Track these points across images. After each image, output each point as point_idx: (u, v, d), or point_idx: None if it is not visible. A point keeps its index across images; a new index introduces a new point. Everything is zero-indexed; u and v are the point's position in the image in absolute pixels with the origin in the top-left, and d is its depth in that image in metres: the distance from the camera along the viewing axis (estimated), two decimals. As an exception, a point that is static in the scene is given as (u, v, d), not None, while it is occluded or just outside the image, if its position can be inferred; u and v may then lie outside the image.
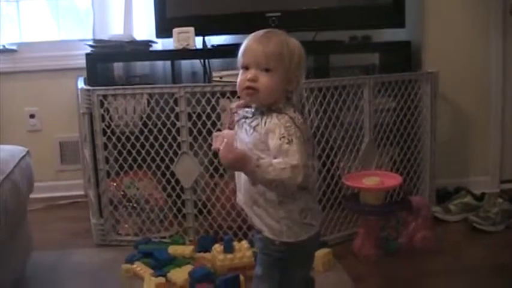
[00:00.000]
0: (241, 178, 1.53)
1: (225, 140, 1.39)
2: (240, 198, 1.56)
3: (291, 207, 1.48)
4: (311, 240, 1.54)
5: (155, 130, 2.53)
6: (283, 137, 1.41)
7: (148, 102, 2.57)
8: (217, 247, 2.25)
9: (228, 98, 2.48)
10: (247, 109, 1.52)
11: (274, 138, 1.42)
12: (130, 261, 2.33)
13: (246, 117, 1.51)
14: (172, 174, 2.56)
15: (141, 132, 2.57)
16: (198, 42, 2.84)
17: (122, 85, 2.66)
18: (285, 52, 1.47)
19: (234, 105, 1.58)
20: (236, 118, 1.55)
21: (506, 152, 3.28)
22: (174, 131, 2.51)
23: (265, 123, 1.45)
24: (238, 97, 2.43)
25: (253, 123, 1.48)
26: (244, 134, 1.50)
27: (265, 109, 1.47)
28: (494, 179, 3.25)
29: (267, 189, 1.46)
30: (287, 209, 1.48)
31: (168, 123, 2.51)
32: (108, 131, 2.55)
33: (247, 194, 1.52)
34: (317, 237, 1.56)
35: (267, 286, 1.56)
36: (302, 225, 1.50)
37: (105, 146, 2.56)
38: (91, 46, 2.80)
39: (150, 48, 2.90)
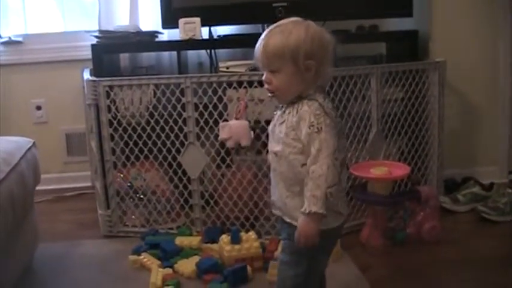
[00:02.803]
0: (276, 174, 1.55)
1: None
2: (274, 192, 1.58)
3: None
4: (339, 229, 1.57)
5: (161, 121, 2.53)
6: (312, 125, 1.44)
7: (155, 93, 2.56)
8: (224, 238, 2.24)
9: (235, 88, 2.47)
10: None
11: (304, 126, 1.45)
12: (138, 252, 2.33)
13: (278, 108, 1.55)
14: (179, 165, 2.55)
15: (148, 123, 2.56)
16: (204, 32, 2.82)
17: (128, 76, 2.65)
18: (285, 49, 1.47)
19: None
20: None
21: (515, 141, 3.26)
22: (180, 121, 2.50)
23: (296, 111, 1.48)
24: (245, 87, 2.45)
25: (286, 112, 1.51)
26: (277, 123, 1.53)
27: (295, 98, 1.50)
28: (502, 169, 3.23)
29: (300, 181, 1.48)
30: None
31: (175, 113, 2.51)
32: (115, 122, 2.55)
33: (285, 186, 1.53)
34: (343, 227, 1.58)
35: (293, 272, 1.57)
36: (333, 213, 1.51)
37: (112, 137, 2.55)
38: (97, 37, 2.79)
39: (156, 39, 2.89)
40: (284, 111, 1.52)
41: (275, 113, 1.57)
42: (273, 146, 1.54)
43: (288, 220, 1.55)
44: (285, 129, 1.49)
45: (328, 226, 1.51)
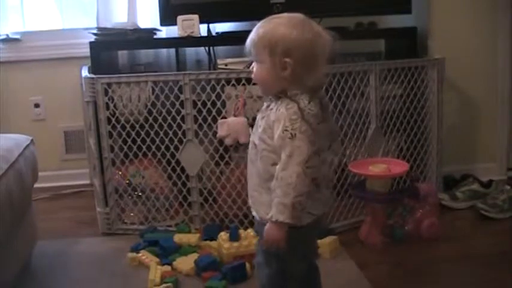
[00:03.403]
0: (253, 166, 1.54)
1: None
2: (249, 185, 1.57)
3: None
4: (308, 229, 1.50)
5: (160, 118, 2.52)
6: (286, 130, 1.41)
7: (153, 90, 2.56)
8: (223, 235, 2.24)
9: (233, 85, 2.47)
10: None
11: (278, 128, 1.41)
12: (136, 249, 2.33)
13: (265, 100, 1.54)
14: (178, 162, 2.55)
15: (146, 120, 2.56)
16: (203, 29, 2.82)
17: (126, 73, 2.64)
18: (266, 41, 1.44)
19: None
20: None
21: (514, 138, 3.26)
22: (179, 118, 2.49)
23: (277, 109, 1.45)
24: (243, 84, 2.44)
25: (269, 108, 1.48)
26: (260, 116, 1.51)
27: (281, 94, 1.47)
28: (501, 166, 3.23)
29: (269, 179, 1.45)
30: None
31: (173, 111, 2.50)
32: (113, 119, 2.54)
33: (256, 179, 1.52)
34: (316, 226, 1.53)
35: (266, 272, 1.57)
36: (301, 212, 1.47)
37: (110, 135, 2.55)
38: (95, 34, 2.78)
39: (154, 36, 2.88)
40: (268, 106, 1.49)
41: (264, 103, 1.53)
42: (255, 137, 1.52)
43: (253, 213, 1.55)
44: (264, 124, 1.47)
45: (297, 224, 1.47)
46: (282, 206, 1.40)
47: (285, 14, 1.49)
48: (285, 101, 1.44)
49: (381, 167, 2.34)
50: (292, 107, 1.42)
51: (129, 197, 2.63)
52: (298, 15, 1.48)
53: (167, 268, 2.16)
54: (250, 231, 2.24)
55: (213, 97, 2.49)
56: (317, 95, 1.47)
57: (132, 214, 2.63)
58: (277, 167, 1.42)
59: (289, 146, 1.40)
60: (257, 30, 1.47)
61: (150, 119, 2.54)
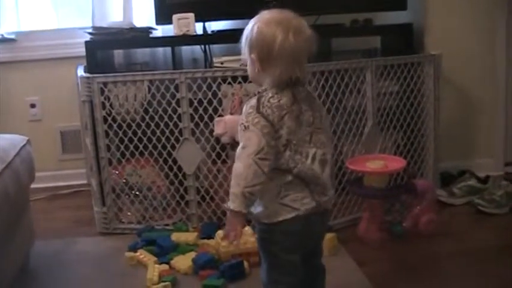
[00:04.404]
0: None
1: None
2: None
3: (266, 187, 1.48)
4: (292, 224, 1.50)
5: (156, 117, 2.52)
6: (242, 123, 1.46)
7: (149, 89, 2.55)
8: (221, 233, 2.24)
9: (230, 83, 2.46)
10: None
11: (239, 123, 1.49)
12: (134, 249, 2.33)
13: None
14: (175, 161, 2.55)
15: (143, 119, 2.55)
16: (198, 28, 2.81)
17: (122, 72, 2.64)
18: (245, 36, 1.51)
19: None
20: None
21: (511, 134, 3.26)
22: (175, 117, 2.49)
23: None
24: (240, 82, 2.44)
25: None
26: None
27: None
28: (498, 161, 3.23)
29: None
30: (264, 188, 1.48)
31: (169, 109, 2.50)
32: (109, 118, 2.54)
33: None
34: (303, 221, 1.51)
35: (264, 268, 1.60)
36: (279, 205, 1.49)
37: (107, 134, 2.54)
38: (90, 34, 2.77)
39: (150, 35, 2.87)
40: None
41: None
42: None
43: None
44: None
45: (273, 219, 1.50)
46: (234, 196, 1.45)
47: (268, 11, 1.51)
48: (254, 96, 1.50)
49: (378, 163, 2.34)
50: (251, 101, 1.48)
51: (126, 196, 2.62)
52: (279, 12, 1.50)
53: (165, 267, 2.16)
54: (248, 229, 2.23)
55: (210, 95, 2.48)
56: (289, 88, 1.49)
57: (129, 213, 2.63)
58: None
59: (243, 138, 1.46)
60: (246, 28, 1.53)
61: (147, 117, 2.54)
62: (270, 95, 1.47)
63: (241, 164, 1.44)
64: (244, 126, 1.45)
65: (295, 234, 1.53)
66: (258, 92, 1.50)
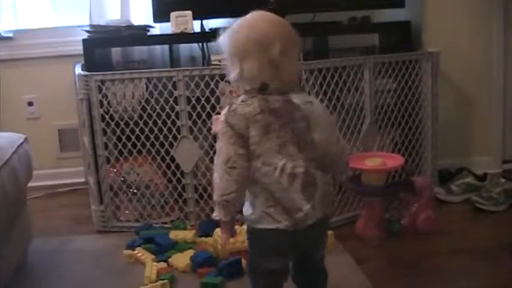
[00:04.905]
0: None
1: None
2: None
3: (253, 190, 1.50)
4: (272, 234, 1.49)
5: (154, 115, 2.52)
6: (217, 132, 1.51)
7: (147, 87, 2.55)
8: (219, 231, 2.23)
9: (227, 81, 2.45)
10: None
11: None
12: (132, 247, 2.33)
13: None
14: (172, 159, 2.55)
15: (140, 117, 2.55)
16: (196, 25, 2.81)
17: (120, 70, 2.63)
18: None
19: None
20: None
21: (508, 131, 3.26)
22: (173, 115, 2.49)
23: None
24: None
25: None
26: None
27: None
28: (496, 159, 3.23)
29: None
30: (252, 191, 1.50)
31: (167, 107, 2.50)
32: (107, 116, 2.53)
33: None
34: (284, 235, 1.49)
35: (247, 269, 1.66)
36: (263, 213, 1.48)
37: (104, 132, 2.54)
38: (88, 32, 2.77)
39: (148, 33, 2.87)
40: None
41: None
42: None
43: None
44: None
45: (255, 225, 1.51)
46: (215, 204, 1.49)
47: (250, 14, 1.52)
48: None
49: (376, 161, 2.34)
50: (225, 109, 1.49)
51: (124, 195, 2.62)
52: (255, 14, 1.51)
53: (163, 265, 2.15)
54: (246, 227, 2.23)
55: (207, 93, 2.48)
56: (259, 96, 1.47)
57: (127, 211, 2.63)
58: None
59: (217, 147, 1.49)
60: None
61: (144, 115, 2.54)
62: (239, 102, 1.48)
63: (216, 174, 1.47)
64: (218, 136, 1.48)
65: (274, 244, 1.52)
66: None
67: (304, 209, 1.47)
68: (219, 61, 2.62)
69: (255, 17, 1.50)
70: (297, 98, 1.50)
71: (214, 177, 1.48)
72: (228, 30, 1.51)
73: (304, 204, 1.47)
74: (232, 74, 1.50)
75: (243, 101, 1.47)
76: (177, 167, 2.55)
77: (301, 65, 1.57)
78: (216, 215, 1.49)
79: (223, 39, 1.51)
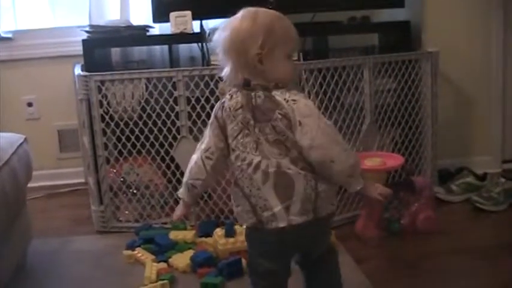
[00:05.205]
0: None
1: None
2: None
3: (233, 187, 1.54)
4: (251, 230, 1.52)
5: (154, 115, 2.52)
6: None
7: (147, 87, 2.55)
8: (219, 231, 2.24)
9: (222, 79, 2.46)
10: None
11: None
12: (132, 247, 2.33)
13: None
14: (172, 159, 2.54)
15: (140, 117, 2.55)
16: (196, 26, 2.81)
17: (120, 70, 2.63)
18: None
19: None
20: None
21: (508, 131, 3.26)
22: (173, 115, 2.49)
23: None
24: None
25: None
26: None
27: None
28: (496, 158, 3.23)
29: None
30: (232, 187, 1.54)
31: (167, 107, 2.50)
32: (107, 117, 2.53)
33: None
34: (270, 236, 1.48)
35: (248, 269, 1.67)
36: (243, 208, 1.51)
37: (104, 132, 2.54)
38: (87, 32, 2.77)
39: (147, 33, 2.87)
40: None
41: None
42: None
43: None
44: None
45: (241, 221, 1.55)
46: (182, 184, 1.63)
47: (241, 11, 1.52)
48: None
49: (376, 160, 2.34)
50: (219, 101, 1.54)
51: (124, 195, 2.62)
52: (244, 11, 1.50)
53: (163, 265, 2.15)
54: (246, 227, 2.24)
55: (207, 93, 2.48)
56: (242, 91, 1.47)
57: (127, 212, 2.63)
58: None
59: (204, 133, 1.58)
60: None
61: (144, 116, 2.53)
62: (227, 96, 1.50)
63: (193, 157, 1.58)
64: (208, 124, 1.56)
65: (260, 244, 1.53)
66: None
67: (275, 209, 1.45)
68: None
69: (243, 14, 1.49)
70: (281, 96, 1.45)
71: (191, 158, 1.59)
72: (219, 28, 1.50)
73: (276, 205, 1.45)
74: (222, 72, 1.51)
75: (230, 95, 1.49)
76: (177, 167, 2.55)
77: (293, 62, 1.52)
78: (180, 193, 1.65)
79: (215, 37, 1.50)
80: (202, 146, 1.55)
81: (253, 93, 1.46)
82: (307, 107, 1.45)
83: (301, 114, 1.43)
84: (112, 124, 2.54)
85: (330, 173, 1.45)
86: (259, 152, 1.45)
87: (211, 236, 2.29)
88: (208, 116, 2.40)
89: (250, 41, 1.43)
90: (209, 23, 2.99)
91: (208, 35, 1.53)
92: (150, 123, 2.52)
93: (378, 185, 1.58)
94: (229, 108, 1.47)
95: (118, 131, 2.55)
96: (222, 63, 1.50)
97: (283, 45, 1.46)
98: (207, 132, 1.54)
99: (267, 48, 1.43)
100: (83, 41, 2.71)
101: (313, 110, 1.45)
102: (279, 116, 1.44)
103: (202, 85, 2.48)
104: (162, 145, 2.53)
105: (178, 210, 1.67)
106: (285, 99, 1.44)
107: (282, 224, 1.45)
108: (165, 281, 2.01)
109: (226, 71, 1.49)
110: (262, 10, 1.49)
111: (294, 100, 1.44)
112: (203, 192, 1.68)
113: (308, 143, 1.42)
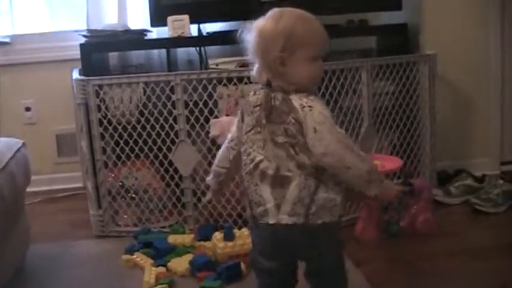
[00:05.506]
0: None
1: None
2: None
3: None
4: (256, 227, 1.55)
5: (152, 119, 2.52)
6: None
7: (145, 91, 2.55)
8: (218, 235, 2.23)
9: (225, 85, 2.46)
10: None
11: None
12: (130, 251, 2.32)
13: None
14: (171, 163, 2.54)
15: (138, 121, 2.55)
16: (193, 29, 2.81)
17: (117, 75, 2.63)
18: None
19: None
20: None
21: (506, 133, 3.26)
22: (171, 119, 2.49)
23: None
24: (235, 84, 2.44)
25: None
26: None
27: None
28: (494, 160, 3.23)
29: None
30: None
31: (165, 111, 2.50)
32: (105, 121, 2.53)
33: None
34: (264, 231, 1.51)
35: None
36: (246, 199, 1.55)
37: (102, 137, 2.53)
38: (85, 36, 2.77)
39: (145, 37, 2.87)
40: None
41: None
42: None
43: None
44: None
45: (246, 214, 1.58)
46: (211, 170, 1.69)
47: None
48: None
49: (375, 163, 2.34)
50: None
51: (123, 199, 2.62)
52: (270, 12, 1.50)
53: (162, 269, 2.15)
54: (245, 231, 2.23)
55: (205, 97, 2.48)
56: (264, 89, 1.49)
57: (125, 216, 2.62)
58: None
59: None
60: None
61: (142, 120, 2.53)
62: (251, 92, 1.54)
63: (223, 145, 1.64)
64: None
65: (257, 240, 1.59)
66: None
67: (268, 205, 1.46)
68: (216, 65, 2.63)
69: (268, 15, 1.48)
70: (298, 101, 1.44)
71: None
72: (248, 28, 1.49)
73: (269, 201, 1.46)
74: (253, 70, 1.53)
75: (254, 91, 1.53)
76: (175, 171, 2.55)
77: (318, 65, 1.50)
78: (208, 180, 1.69)
79: (245, 37, 1.50)
80: (230, 134, 1.61)
81: (273, 94, 1.47)
82: (322, 114, 1.43)
83: (315, 122, 1.42)
84: (110, 128, 2.54)
85: (346, 178, 1.46)
86: (265, 151, 1.47)
87: (210, 240, 2.29)
88: (206, 119, 2.44)
89: (272, 43, 1.44)
90: (206, 27, 3.00)
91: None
92: (148, 127, 2.52)
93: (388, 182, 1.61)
94: (250, 104, 1.51)
95: (116, 135, 2.55)
96: (252, 62, 1.52)
97: (306, 49, 1.45)
98: (235, 122, 1.59)
99: (288, 51, 1.43)
100: (81, 45, 2.71)
101: (327, 117, 1.44)
102: (292, 121, 1.43)
103: (200, 89, 2.48)
104: (160, 149, 2.53)
105: (208, 196, 1.75)
106: (301, 104, 1.43)
107: (272, 221, 1.46)
108: (164, 285, 2.01)
109: (254, 70, 1.51)
110: (287, 11, 1.48)
111: (310, 107, 1.43)
112: (229, 183, 1.77)
113: (322, 150, 1.41)
